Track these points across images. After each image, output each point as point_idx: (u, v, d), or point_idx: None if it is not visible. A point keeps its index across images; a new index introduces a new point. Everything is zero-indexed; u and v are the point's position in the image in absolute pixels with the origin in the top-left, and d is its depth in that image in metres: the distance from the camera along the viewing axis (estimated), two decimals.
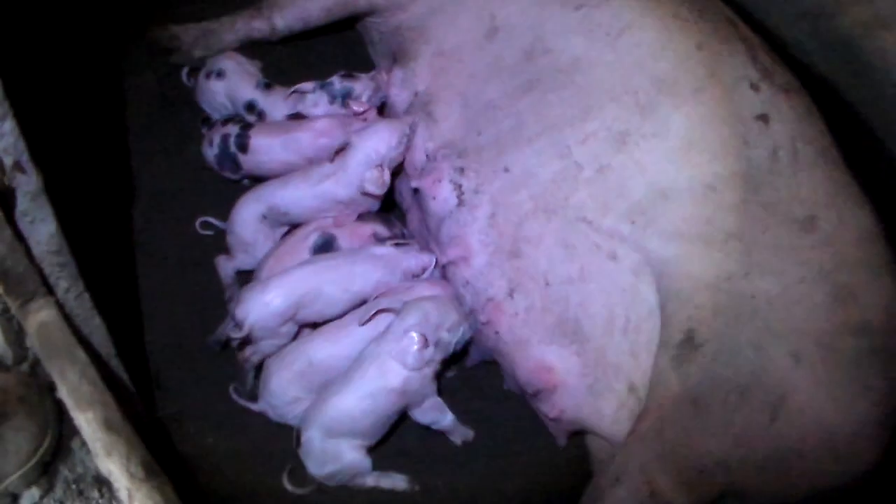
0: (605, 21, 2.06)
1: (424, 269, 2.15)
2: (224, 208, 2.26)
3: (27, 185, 1.31)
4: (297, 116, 2.31)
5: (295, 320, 2.07)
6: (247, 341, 2.05)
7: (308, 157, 2.26)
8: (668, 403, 1.76)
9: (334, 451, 1.93)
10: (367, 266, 2.11)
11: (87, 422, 1.37)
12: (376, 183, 2.15)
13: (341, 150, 2.18)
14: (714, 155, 1.87)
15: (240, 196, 2.24)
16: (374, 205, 2.25)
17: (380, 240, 2.20)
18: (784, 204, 1.82)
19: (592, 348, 1.94)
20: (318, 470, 1.94)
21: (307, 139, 2.26)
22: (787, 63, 2.02)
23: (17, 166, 1.26)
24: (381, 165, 2.15)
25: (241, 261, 2.23)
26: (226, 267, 2.24)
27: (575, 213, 1.96)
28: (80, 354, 1.41)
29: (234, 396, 2.07)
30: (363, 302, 2.11)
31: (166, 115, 2.50)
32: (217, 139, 2.31)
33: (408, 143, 2.20)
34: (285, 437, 2.01)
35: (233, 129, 2.31)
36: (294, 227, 2.25)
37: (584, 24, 2.08)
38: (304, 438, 1.93)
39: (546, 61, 2.09)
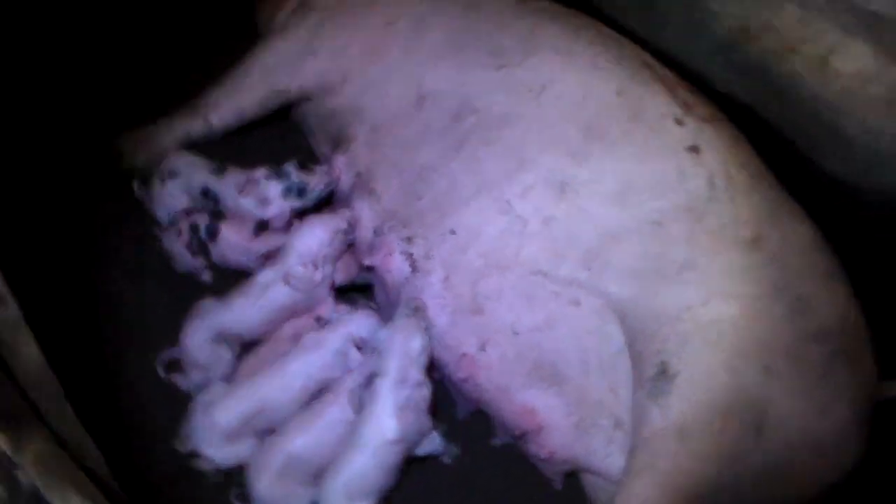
0: (526, 78, 2.14)
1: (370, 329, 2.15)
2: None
3: (6, 315, 1.31)
4: (261, 225, 2.33)
5: (249, 434, 2.07)
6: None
7: None
8: (654, 438, 1.78)
9: None
10: (302, 359, 2.11)
11: None
12: (301, 280, 2.17)
13: (274, 253, 2.21)
14: (653, 192, 1.94)
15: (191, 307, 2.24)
16: (325, 298, 2.26)
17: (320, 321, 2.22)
18: (729, 228, 1.87)
19: (572, 388, 1.98)
20: None
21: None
22: (709, 96, 2.10)
23: None
24: (311, 263, 2.18)
25: (199, 378, 2.20)
26: (186, 384, 2.21)
27: (529, 267, 2.00)
28: (82, 478, 1.40)
29: (233, 500, 2.04)
30: (321, 389, 2.12)
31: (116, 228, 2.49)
32: (185, 227, 2.33)
33: (344, 237, 2.23)
34: None
35: (202, 218, 2.33)
36: None
37: (505, 82, 2.15)
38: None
39: (473, 120, 2.15)
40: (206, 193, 2.39)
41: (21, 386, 1.40)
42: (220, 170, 2.41)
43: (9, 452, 1.44)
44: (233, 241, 2.31)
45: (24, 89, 2.57)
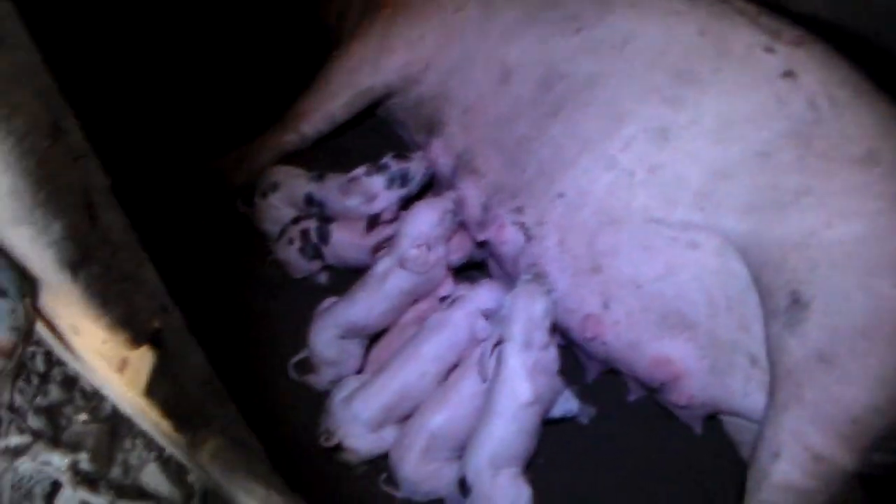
0: (606, 36, 2.16)
1: (494, 299, 2.16)
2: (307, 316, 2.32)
3: (173, 324, 1.38)
4: (372, 218, 2.36)
5: (391, 422, 2.11)
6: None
7: None
8: (796, 367, 1.78)
9: (501, 486, 1.95)
10: (432, 340, 2.15)
11: None
12: (416, 262, 2.20)
13: (388, 241, 2.26)
14: (755, 123, 1.93)
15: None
16: (444, 278, 2.30)
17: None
18: (839, 148, 1.85)
19: (703, 332, 1.97)
20: None
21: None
22: (791, 18, 2.08)
23: (162, 307, 1.34)
24: (424, 245, 2.21)
25: (331, 374, 2.26)
26: (319, 382, 2.27)
27: (641, 216, 2.01)
28: (261, 468, 1.46)
29: (382, 485, 2.08)
30: (453, 367, 2.15)
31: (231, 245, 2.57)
32: (296, 234, 2.40)
33: (453, 218, 2.27)
34: None
35: (311, 223, 2.40)
36: None
37: (586, 44, 2.18)
38: (471, 479, 1.95)
39: (563, 86, 2.18)
40: (311, 200, 2.46)
41: (190, 389, 1.47)
42: (319, 176, 2.48)
43: (186, 452, 1.52)
44: (346, 241, 2.38)
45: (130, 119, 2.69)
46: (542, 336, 2.03)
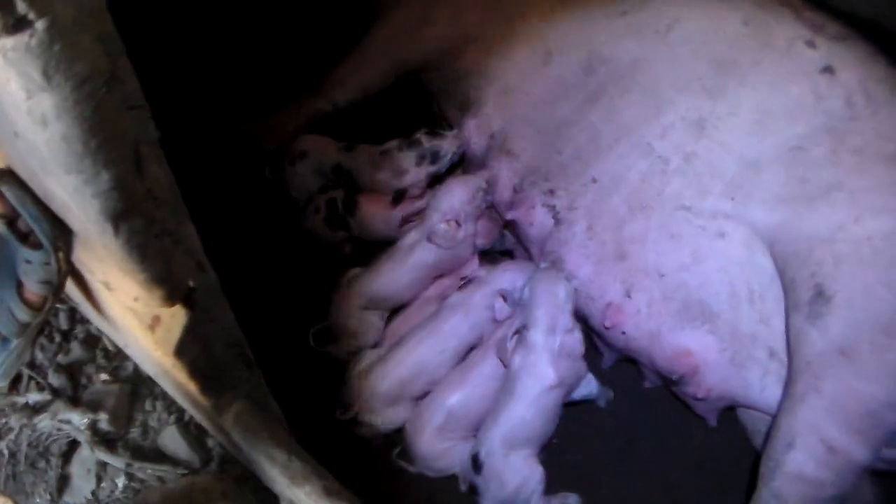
0: (651, 21, 2.15)
1: (513, 280, 2.15)
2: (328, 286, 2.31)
3: (207, 283, 1.37)
4: (399, 193, 2.36)
5: (407, 397, 2.11)
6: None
7: None
8: (816, 360, 1.78)
9: (514, 465, 1.96)
10: (453, 318, 2.14)
11: (306, 495, 1.40)
12: (444, 236, 2.20)
13: (419, 213, 2.26)
14: (791, 117, 1.93)
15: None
16: (470, 257, 2.30)
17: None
18: (873, 145, 1.85)
19: (724, 323, 1.97)
20: (500, 491, 1.95)
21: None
22: (833, 14, 2.07)
23: (199, 266, 1.33)
24: (454, 220, 2.21)
25: (351, 345, 2.25)
26: (338, 352, 2.26)
27: (672, 204, 2.01)
28: (283, 434, 1.46)
29: (396, 459, 2.09)
30: (471, 348, 2.15)
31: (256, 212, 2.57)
32: (322, 204, 2.40)
33: (484, 196, 2.26)
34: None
35: (338, 193, 2.39)
36: None
37: (631, 28, 2.17)
38: (484, 457, 1.96)
39: (605, 70, 2.17)
40: (339, 171, 2.44)
41: (218, 351, 1.47)
42: (349, 147, 2.46)
43: (210, 415, 1.52)
44: (372, 213, 2.38)
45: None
46: (566, 319, 2.02)
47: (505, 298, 2.11)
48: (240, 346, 1.51)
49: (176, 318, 1.36)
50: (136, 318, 1.41)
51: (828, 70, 1.94)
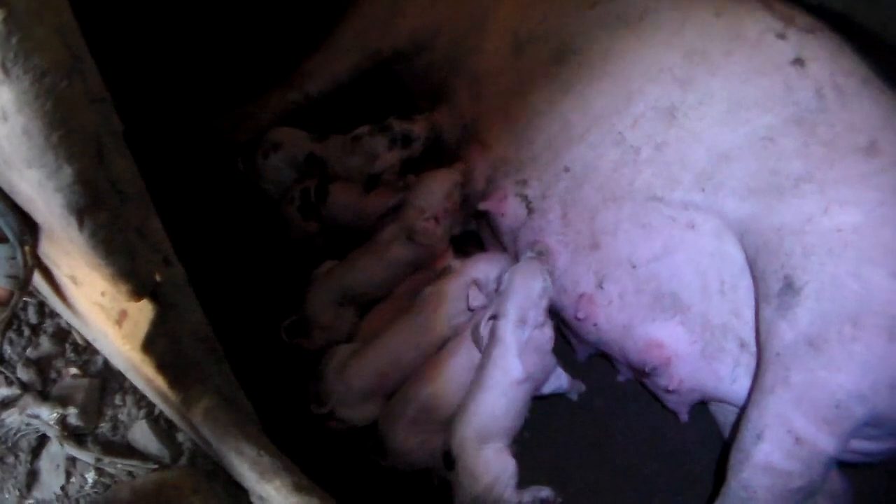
0: (622, 12, 2.15)
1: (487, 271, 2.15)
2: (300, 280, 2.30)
3: (175, 278, 1.36)
4: (372, 178, 2.34)
5: (382, 392, 2.11)
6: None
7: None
8: (785, 351, 1.80)
9: (486, 460, 1.96)
10: (427, 311, 2.13)
11: (276, 490, 1.40)
12: (426, 234, 2.19)
13: (395, 209, 2.24)
14: (762, 108, 1.94)
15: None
16: (445, 251, 2.28)
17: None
18: (842, 137, 1.87)
19: (695, 315, 1.98)
20: (473, 486, 1.95)
21: (374, 216, 2.32)
22: (803, 7, 2.08)
23: (166, 261, 1.32)
24: (433, 217, 2.21)
25: (323, 339, 2.24)
26: (310, 345, 2.26)
27: (643, 194, 2.02)
28: (252, 429, 1.45)
29: (369, 455, 2.09)
30: (445, 341, 2.14)
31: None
32: (297, 194, 2.38)
33: (461, 190, 2.25)
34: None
35: (312, 183, 2.38)
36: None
37: (602, 18, 2.17)
38: (456, 452, 1.96)
39: (576, 61, 2.17)
40: (312, 161, 2.43)
41: (186, 345, 1.46)
42: (321, 137, 2.45)
43: (178, 409, 1.50)
44: (342, 201, 2.37)
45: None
46: (536, 314, 2.03)
47: (479, 287, 2.11)
48: (209, 341, 1.50)
49: (143, 312, 1.35)
50: (103, 312, 1.40)
51: (798, 62, 1.95)
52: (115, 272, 1.23)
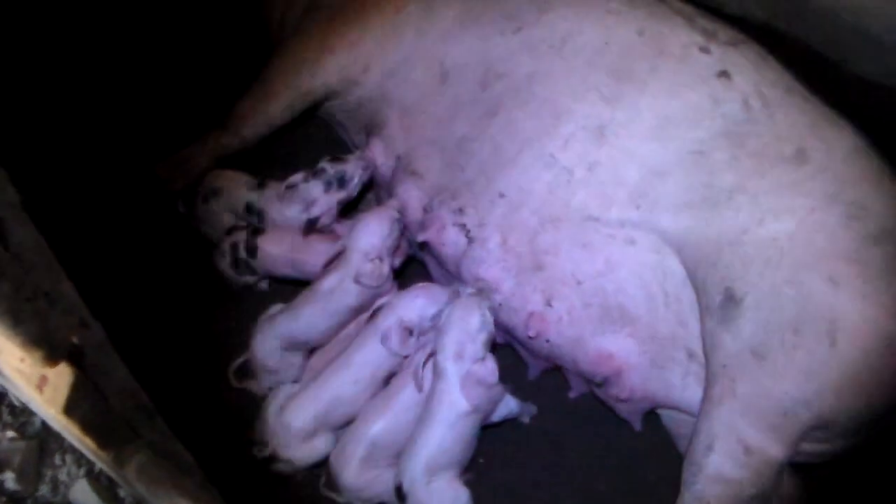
0: (545, 35, 2.16)
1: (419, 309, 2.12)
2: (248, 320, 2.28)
3: (93, 339, 1.35)
4: (309, 223, 2.31)
5: (327, 427, 2.10)
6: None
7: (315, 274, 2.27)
8: (730, 362, 1.81)
9: (438, 491, 1.96)
10: (364, 347, 2.12)
11: None
12: (372, 276, 2.17)
13: (337, 257, 2.21)
14: (691, 122, 1.96)
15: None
16: (390, 289, 2.25)
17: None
18: (771, 147, 1.89)
19: (643, 326, 2.00)
20: None
21: (310, 264, 2.29)
22: (725, 20, 2.10)
23: (82, 322, 1.31)
24: (377, 258, 2.18)
25: (271, 381, 2.23)
26: (258, 388, 2.25)
27: (580, 215, 2.03)
28: (187, 482, 1.44)
29: (323, 490, 2.07)
30: (390, 376, 2.14)
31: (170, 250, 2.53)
32: (227, 248, 2.35)
33: (399, 226, 2.23)
34: None
35: (240, 237, 2.34)
36: None
37: (525, 43, 2.17)
38: (407, 487, 1.95)
39: (502, 85, 2.17)
40: (250, 209, 2.41)
41: (114, 404, 1.44)
42: (260, 185, 2.43)
43: (112, 468, 1.49)
44: (274, 254, 2.33)
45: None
46: (475, 349, 2.01)
47: (411, 332, 2.09)
48: (136, 397, 1.48)
49: (63, 377, 1.34)
50: (23, 378, 1.38)
51: (724, 74, 1.97)
52: (25, 340, 1.21)
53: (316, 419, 2.08)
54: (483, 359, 2.02)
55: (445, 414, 1.97)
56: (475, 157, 2.17)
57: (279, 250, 2.33)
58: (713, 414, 1.82)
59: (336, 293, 2.18)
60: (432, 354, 2.01)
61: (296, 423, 2.06)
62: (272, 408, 2.12)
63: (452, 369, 1.99)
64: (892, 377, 1.74)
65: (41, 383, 1.36)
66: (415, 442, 1.98)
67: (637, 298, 1.99)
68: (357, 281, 2.15)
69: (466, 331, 2.00)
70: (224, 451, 2.13)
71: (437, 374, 2.00)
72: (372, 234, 2.19)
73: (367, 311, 2.21)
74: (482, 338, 2.02)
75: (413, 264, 2.43)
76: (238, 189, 2.43)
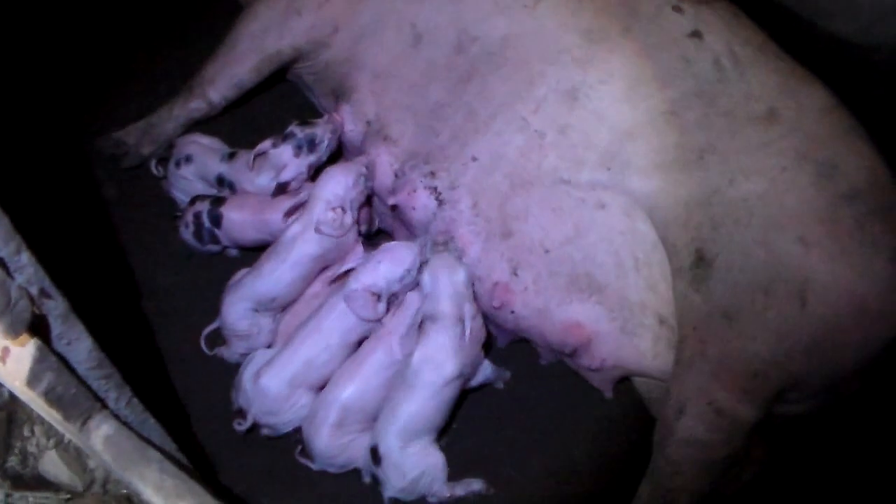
0: None
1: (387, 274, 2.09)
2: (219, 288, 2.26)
3: (56, 309, 1.32)
4: (280, 187, 2.27)
5: (302, 391, 2.08)
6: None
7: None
8: (700, 324, 1.82)
9: (413, 455, 1.96)
10: (334, 311, 2.10)
11: None
12: (331, 224, 2.14)
13: (300, 206, 2.19)
14: (662, 82, 1.94)
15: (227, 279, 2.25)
16: (354, 245, 2.23)
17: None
18: (742, 106, 1.88)
19: (611, 293, 2.00)
20: (401, 481, 1.95)
21: (276, 222, 2.25)
22: None
23: (43, 293, 1.28)
24: (339, 207, 2.16)
25: (242, 347, 2.21)
26: (230, 354, 2.23)
27: (551, 178, 2.02)
28: (153, 453, 1.42)
29: (298, 458, 2.07)
30: (361, 340, 2.12)
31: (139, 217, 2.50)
32: (190, 218, 2.32)
33: (366, 182, 2.21)
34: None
35: (203, 206, 2.31)
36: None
37: (499, 4, 2.14)
38: (382, 450, 1.95)
39: (476, 49, 2.14)
40: (221, 181, 2.38)
41: (80, 375, 1.43)
42: (231, 155, 2.39)
43: (79, 439, 1.47)
44: (238, 220, 2.29)
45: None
46: (470, 306, 2.01)
47: (379, 297, 2.07)
48: (103, 367, 1.47)
49: (26, 348, 1.32)
50: None
51: (695, 34, 1.96)
52: None
53: (291, 384, 2.06)
54: (476, 315, 2.03)
55: (430, 380, 1.96)
56: (449, 121, 2.15)
57: (243, 215, 2.29)
58: (684, 377, 1.84)
59: (297, 242, 2.15)
60: (423, 322, 2.00)
61: (272, 389, 2.04)
62: (247, 375, 2.10)
63: (450, 334, 1.97)
64: (862, 337, 1.76)
65: (4, 355, 1.34)
66: (394, 407, 1.97)
67: (606, 265, 1.99)
68: (318, 229, 2.12)
69: (458, 291, 2.00)
70: (199, 421, 2.14)
71: (425, 341, 1.99)
72: (336, 184, 2.16)
73: (331, 268, 2.19)
74: (470, 291, 2.03)
75: (383, 238, 2.40)
76: (210, 158, 2.40)
